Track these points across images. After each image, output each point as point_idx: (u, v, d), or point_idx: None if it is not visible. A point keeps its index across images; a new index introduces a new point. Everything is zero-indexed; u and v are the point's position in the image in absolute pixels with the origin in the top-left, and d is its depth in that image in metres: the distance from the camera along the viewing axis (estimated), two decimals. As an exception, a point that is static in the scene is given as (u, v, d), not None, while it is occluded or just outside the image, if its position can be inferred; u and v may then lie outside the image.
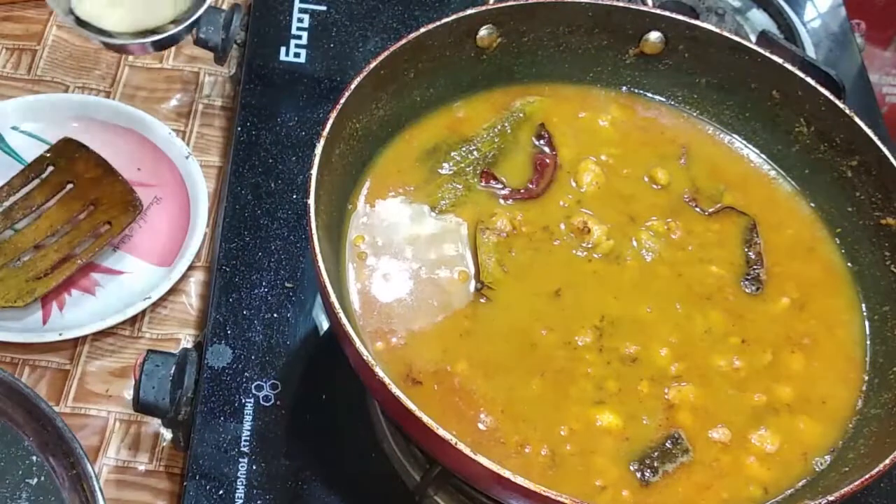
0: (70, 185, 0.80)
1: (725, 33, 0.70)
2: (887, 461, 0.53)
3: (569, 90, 0.74)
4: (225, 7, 0.93)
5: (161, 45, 0.83)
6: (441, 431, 0.50)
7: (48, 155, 0.81)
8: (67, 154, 0.81)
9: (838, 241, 0.69)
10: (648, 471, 0.57)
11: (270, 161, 0.80)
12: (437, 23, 0.66)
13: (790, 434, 0.60)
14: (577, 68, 0.74)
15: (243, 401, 0.67)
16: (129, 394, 0.72)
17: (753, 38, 0.94)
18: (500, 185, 0.68)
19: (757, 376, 0.62)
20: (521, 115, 0.72)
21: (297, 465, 0.65)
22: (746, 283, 0.66)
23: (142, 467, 0.71)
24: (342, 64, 0.89)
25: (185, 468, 0.65)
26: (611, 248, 0.66)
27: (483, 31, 0.69)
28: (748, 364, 0.62)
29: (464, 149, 0.69)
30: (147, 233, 0.81)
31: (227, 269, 0.73)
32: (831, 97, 0.67)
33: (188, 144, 0.88)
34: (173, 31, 0.81)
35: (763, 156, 0.73)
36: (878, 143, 0.65)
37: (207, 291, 0.79)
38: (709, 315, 0.64)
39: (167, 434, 0.71)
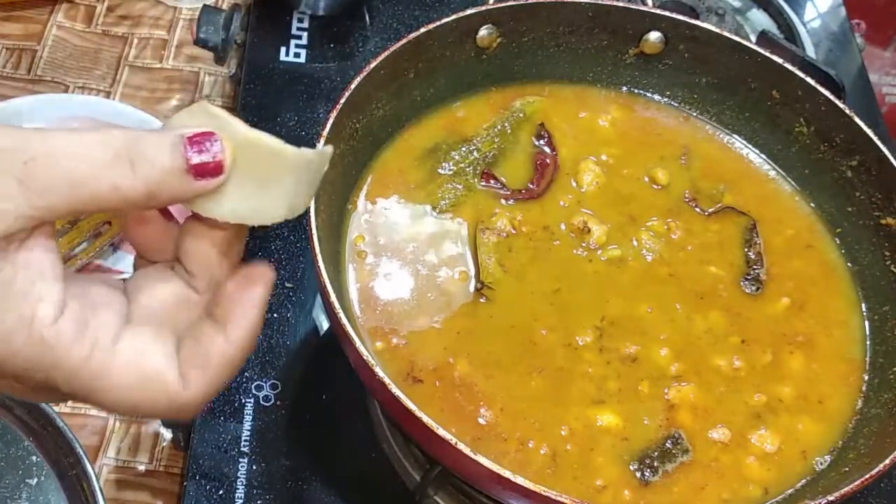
0: (70, 185, 0.80)
1: (725, 33, 0.70)
2: (887, 461, 0.52)
3: (569, 90, 0.74)
4: (225, 7, 0.93)
5: None
6: (441, 431, 0.50)
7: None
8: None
9: (838, 241, 0.69)
10: (648, 470, 0.57)
11: (270, 161, 0.80)
12: (437, 23, 0.66)
13: (790, 434, 0.60)
14: (577, 68, 0.74)
15: (243, 401, 0.67)
16: (129, 394, 0.71)
17: (753, 38, 0.94)
18: (500, 185, 0.68)
19: (757, 376, 0.61)
20: (521, 115, 0.72)
21: (297, 465, 0.65)
22: (746, 283, 0.66)
23: (142, 467, 0.71)
24: (342, 64, 0.89)
25: (185, 468, 0.65)
26: (611, 247, 0.66)
27: (483, 31, 0.69)
28: (748, 364, 0.62)
29: (464, 149, 0.69)
30: (147, 233, 0.81)
31: (227, 269, 0.73)
32: (831, 97, 0.67)
33: (188, 144, 0.87)
34: None
35: (763, 156, 0.73)
36: (878, 143, 0.65)
37: (207, 291, 0.79)
38: (708, 315, 0.64)
39: (167, 434, 0.72)
